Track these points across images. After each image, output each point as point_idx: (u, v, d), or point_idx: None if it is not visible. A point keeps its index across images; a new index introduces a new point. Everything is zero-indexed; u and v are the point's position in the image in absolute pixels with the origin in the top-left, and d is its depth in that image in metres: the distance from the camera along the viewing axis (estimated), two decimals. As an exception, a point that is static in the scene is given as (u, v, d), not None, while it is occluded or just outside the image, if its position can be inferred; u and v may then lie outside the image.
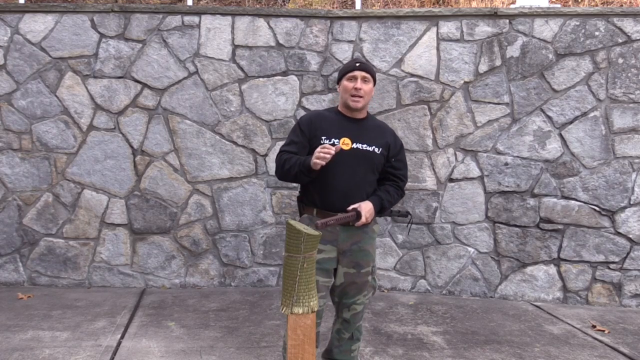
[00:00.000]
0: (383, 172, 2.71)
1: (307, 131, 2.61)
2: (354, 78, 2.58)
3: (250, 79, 4.69)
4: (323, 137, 2.57)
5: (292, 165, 2.51)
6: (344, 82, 2.62)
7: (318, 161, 2.37)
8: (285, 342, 2.63)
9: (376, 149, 2.62)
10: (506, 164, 4.67)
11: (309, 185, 2.62)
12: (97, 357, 3.17)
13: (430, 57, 4.67)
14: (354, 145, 2.57)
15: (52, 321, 3.77)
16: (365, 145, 2.59)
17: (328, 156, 2.35)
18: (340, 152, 2.47)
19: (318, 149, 2.38)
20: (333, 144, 2.52)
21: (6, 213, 4.63)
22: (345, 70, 2.63)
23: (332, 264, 2.59)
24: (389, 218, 4.72)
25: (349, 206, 2.51)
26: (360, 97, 2.59)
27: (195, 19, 4.65)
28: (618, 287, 4.66)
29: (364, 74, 2.59)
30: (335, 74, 4.65)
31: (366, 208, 2.52)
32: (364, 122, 2.68)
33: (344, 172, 2.55)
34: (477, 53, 4.65)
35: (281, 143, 2.68)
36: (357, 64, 2.61)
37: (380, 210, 2.64)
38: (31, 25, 4.58)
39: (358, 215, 2.49)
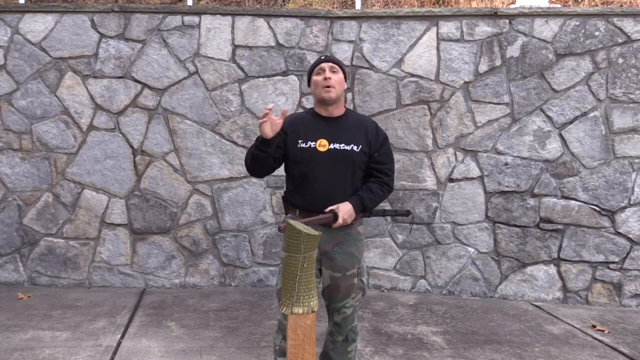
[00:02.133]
0: (367, 169, 2.63)
1: (284, 134, 2.52)
2: (322, 70, 2.55)
3: (250, 79, 4.69)
4: (299, 141, 2.53)
5: (250, 147, 2.49)
6: (314, 78, 2.58)
7: (262, 125, 2.31)
8: (275, 343, 2.62)
9: (355, 147, 2.54)
10: (506, 164, 4.67)
11: (291, 186, 2.60)
12: (97, 357, 3.17)
13: (430, 57, 4.67)
14: (331, 146, 2.52)
15: (52, 321, 3.77)
16: (343, 145, 2.53)
17: (267, 109, 2.30)
18: (318, 154, 2.47)
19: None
20: (309, 148, 2.50)
21: (6, 213, 4.64)
22: (313, 67, 2.62)
23: (316, 264, 2.53)
24: (389, 218, 4.72)
25: (327, 208, 2.46)
26: (332, 87, 2.53)
27: (195, 19, 4.65)
28: (618, 287, 4.66)
29: (330, 64, 2.56)
30: (335, 74, 4.65)
31: (344, 209, 2.46)
32: (341, 120, 2.60)
33: (324, 174, 2.51)
34: (477, 53, 4.65)
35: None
36: (322, 57, 2.61)
37: (363, 210, 2.57)
38: (31, 25, 4.58)
39: (335, 216, 2.43)
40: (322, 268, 2.60)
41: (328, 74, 2.53)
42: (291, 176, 2.61)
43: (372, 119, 3.02)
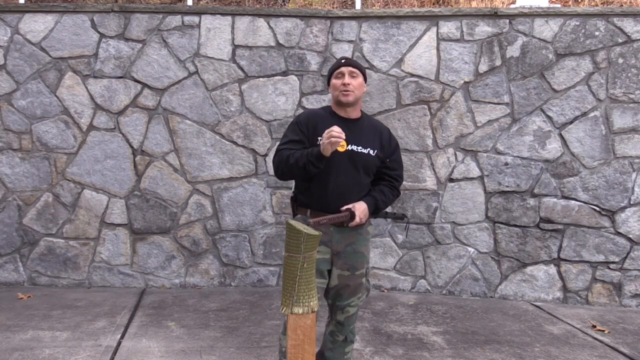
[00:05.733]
0: (378, 173, 2.67)
1: (306, 131, 2.57)
2: (342, 74, 2.57)
3: (250, 79, 4.69)
4: (319, 139, 2.52)
5: (298, 158, 2.46)
6: (333, 81, 2.60)
7: (333, 139, 2.31)
8: (281, 344, 2.60)
9: (371, 151, 2.59)
10: (506, 164, 4.67)
11: (303, 186, 2.58)
12: (97, 357, 3.17)
13: (430, 57, 4.67)
14: (349, 147, 2.53)
15: (52, 321, 3.77)
16: (360, 148, 2.56)
17: (342, 137, 2.32)
18: (336, 154, 2.46)
19: (327, 133, 2.34)
20: None
21: (6, 213, 4.63)
22: (332, 69, 2.62)
23: (327, 265, 2.56)
24: (389, 218, 4.71)
25: (342, 207, 2.49)
26: (350, 91, 2.55)
27: (195, 19, 4.65)
28: (618, 287, 4.66)
29: (350, 69, 2.57)
30: (335, 74, 4.66)
31: (360, 208, 2.50)
32: (359, 122, 2.64)
33: (339, 174, 2.52)
34: (477, 53, 4.65)
35: (281, 143, 2.68)
36: (343, 61, 2.60)
37: (374, 211, 2.61)
38: (31, 25, 4.58)
39: (352, 215, 2.46)
40: (333, 268, 2.60)
41: (347, 79, 2.54)
42: None
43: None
